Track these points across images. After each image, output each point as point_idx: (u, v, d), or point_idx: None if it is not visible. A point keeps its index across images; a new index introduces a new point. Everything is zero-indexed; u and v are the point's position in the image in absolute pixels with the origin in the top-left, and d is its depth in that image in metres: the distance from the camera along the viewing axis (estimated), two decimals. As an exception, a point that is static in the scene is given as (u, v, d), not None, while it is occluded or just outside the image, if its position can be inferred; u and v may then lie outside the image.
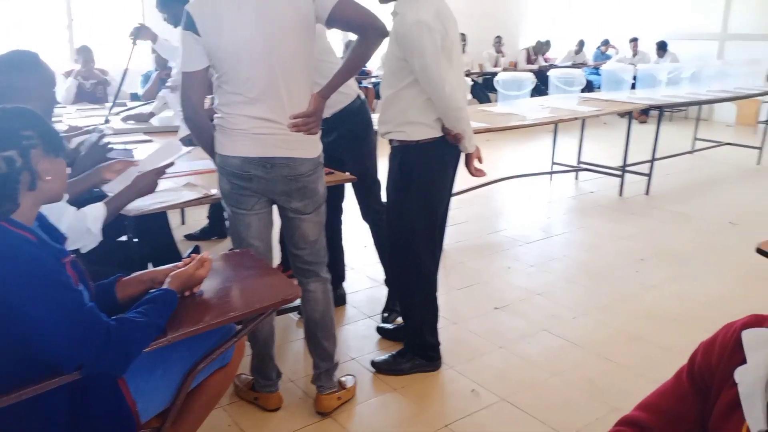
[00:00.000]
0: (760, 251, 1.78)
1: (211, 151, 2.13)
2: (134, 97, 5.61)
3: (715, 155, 6.96)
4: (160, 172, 2.06)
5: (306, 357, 2.54)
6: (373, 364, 2.66)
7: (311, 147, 2.10)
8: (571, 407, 2.40)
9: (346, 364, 2.66)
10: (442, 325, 2.81)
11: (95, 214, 1.85)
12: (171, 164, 2.16)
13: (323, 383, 2.33)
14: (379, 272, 3.32)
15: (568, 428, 2.26)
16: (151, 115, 4.19)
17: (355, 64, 2.04)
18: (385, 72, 2.43)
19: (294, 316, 3.08)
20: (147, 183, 2.01)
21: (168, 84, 3.84)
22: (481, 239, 4.36)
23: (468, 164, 2.57)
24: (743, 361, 0.90)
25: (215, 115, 2.09)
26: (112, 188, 2.07)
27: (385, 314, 3.08)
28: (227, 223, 2.22)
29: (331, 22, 1.96)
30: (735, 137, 7.98)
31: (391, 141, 2.48)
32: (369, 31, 1.94)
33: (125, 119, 4.18)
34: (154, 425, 1.56)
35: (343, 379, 2.45)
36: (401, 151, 2.44)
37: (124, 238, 2.42)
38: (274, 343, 2.34)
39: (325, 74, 2.21)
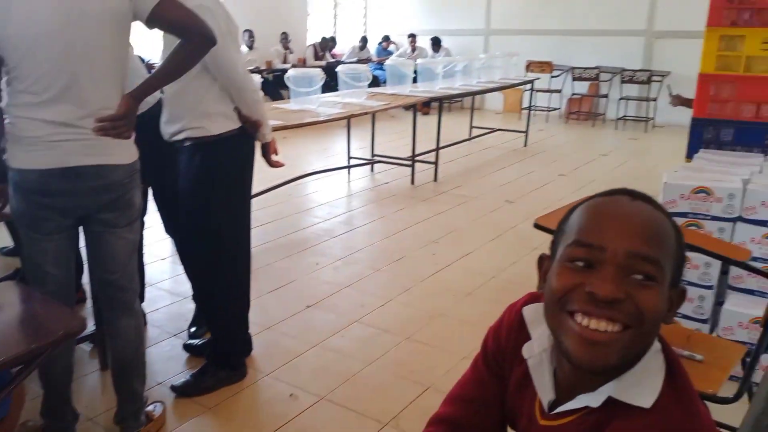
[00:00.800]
0: (537, 226, 1.98)
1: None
2: None
3: (489, 140, 7.70)
4: None
5: (106, 390, 2.30)
6: (174, 389, 2.44)
7: (124, 152, 1.86)
8: (387, 393, 2.49)
9: (153, 390, 2.46)
10: (255, 331, 2.73)
11: None
12: None
13: (130, 424, 2.09)
14: (179, 285, 3.13)
15: (386, 415, 2.34)
16: None
17: (175, 69, 1.86)
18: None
19: (86, 347, 2.78)
20: None
21: None
22: (287, 238, 4.32)
23: (267, 155, 2.51)
24: (528, 338, 0.95)
25: (5, 121, 1.78)
26: None
27: (192, 329, 2.91)
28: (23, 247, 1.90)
29: (152, 22, 1.78)
30: (504, 123, 8.92)
31: (182, 141, 2.29)
32: (194, 37, 1.79)
33: None
34: None
35: (149, 408, 2.24)
36: (200, 149, 2.27)
37: None
38: (71, 382, 2.07)
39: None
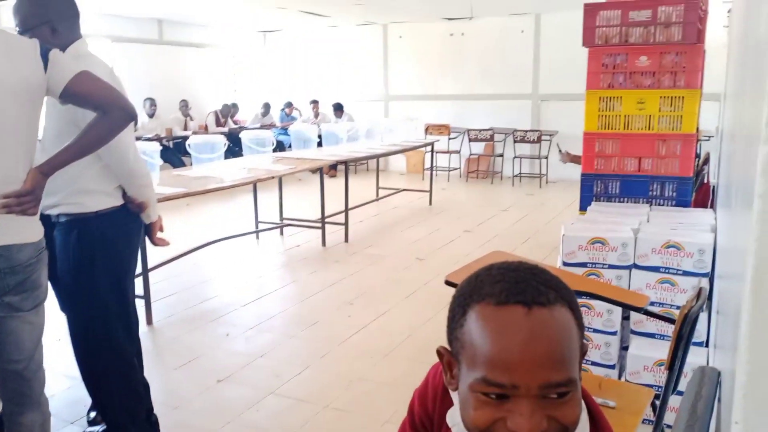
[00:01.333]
0: (448, 283, 2.01)
1: None
2: None
3: (396, 200, 7.86)
4: None
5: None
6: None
7: (31, 229, 1.72)
8: (309, 466, 2.39)
9: (49, 487, 2.23)
10: (162, 412, 2.56)
11: None
12: None
13: None
14: (76, 368, 2.89)
15: (309, 489, 2.24)
16: None
17: (89, 144, 1.76)
18: (46, 136, 2.09)
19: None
20: None
21: None
22: (193, 309, 4.14)
23: (151, 234, 2.39)
24: (452, 403, 0.91)
25: None
26: None
27: (92, 414, 2.68)
28: None
29: (66, 97, 1.69)
30: (408, 183, 9.16)
31: (58, 216, 2.15)
32: (113, 112, 1.72)
33: None
34: None
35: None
36: (77, 225, 2.13)
37: None
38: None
39: None
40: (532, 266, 0.80)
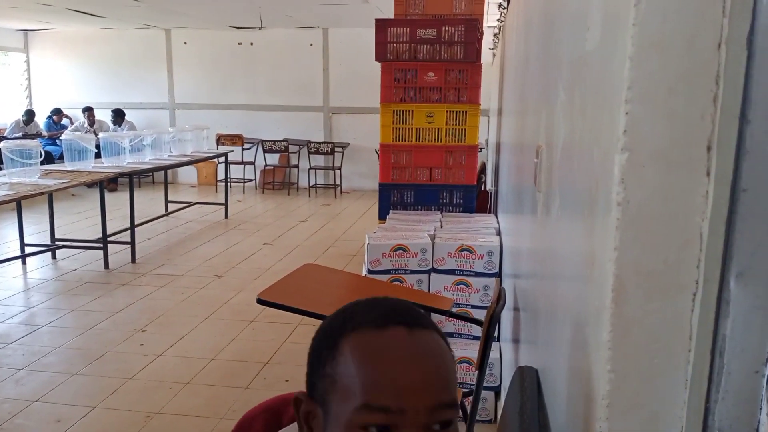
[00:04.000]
0: (261, 302, 1.90)
1: None
2: None
3: (188, 214, 7.43)
4: None
5: None
6: None
7: None
8: None
9: None
10: None
11: None
12: None
13: None
14: None
15: None
16: None
17: None
18: None
19: None
20: None
21: None
22: (-59, 354, 3.45)
23: None
24: None
25: None
26: None
27: None
28: None
29: None
30: (201, 197, 8.73)
31: None
32: None
33: None
34: None
35: None
36: None
37: None
38: None
39: None
40: (398, 298, 0.76)
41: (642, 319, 0.63)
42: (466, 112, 3.82)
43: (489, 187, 5.57)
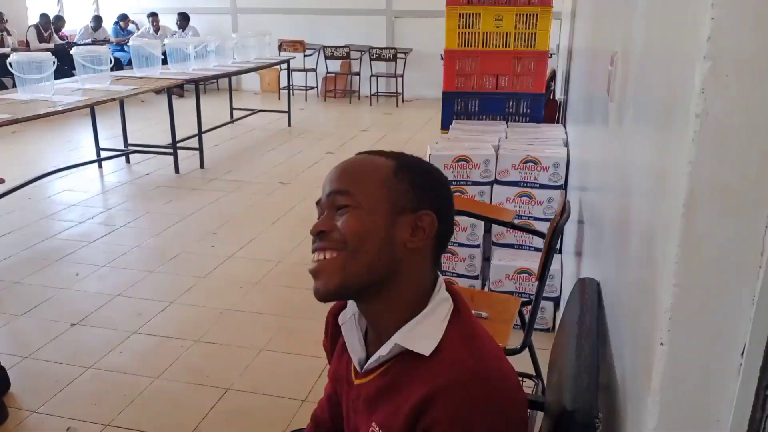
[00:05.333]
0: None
1: None
2: None
3: (252, 121, 7.54)
4: None
5: None
6: None
7: None
8: (182, 406, 2.29)
9: None
10: (10, 363, 2.32)
11: None
12: None
13: None
14: None
15: (184, 429, 2.16)
16: None
17: None
18: None
19: None
20: None
21: None
22: (34, 249, 3.74)
23: None
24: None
25: None
26: None
27: None
28: None
29: None
30: (264, 104, 8.80)
31: None
32: None
33: None
34: None
35: None
36: None
37: None
38: None
39: None
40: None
41: (713, 234, 0.61)
42: (537, 14, 3.62)
43: (558, 95, 5.36)
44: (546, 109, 4.23)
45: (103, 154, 5.62)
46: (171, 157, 5.43)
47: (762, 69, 0.57)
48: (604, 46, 1.58)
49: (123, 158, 5.74)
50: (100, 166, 5.56)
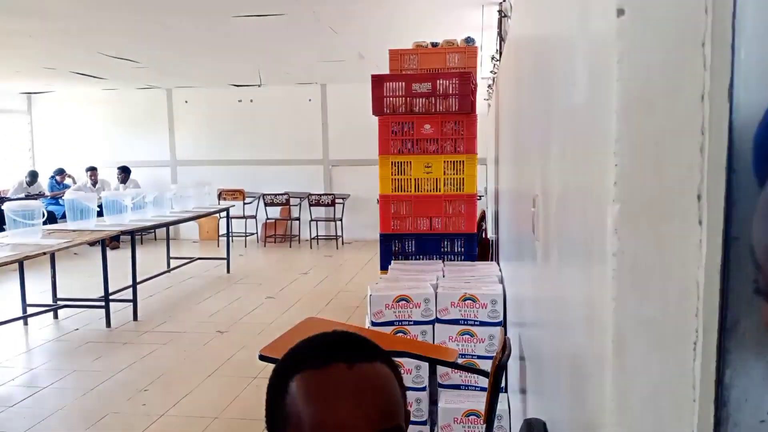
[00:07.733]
0: (263, 358, 1.89)
1: None
2: None
3: (190, 270, 7.41)
4: None
5: None
6: None
7: None
8: None
9: None
10: None
11: None
12: None
13: None
14: None
15: None
16: None
17: None
18: None
19: None
20: None
21: None
22: (-61, 421, 3.39)
23: None
24: None
25: None
26: None
27: None
28: None
29: None
30: (203, 252, 8.74)
31: None
32: None
33: None
34: None
35: None
36: None
37: None
38: None
39: None
40: (346, 331, 0.81)
41: (644, 370, 0.63)
42: (463, 161, 3.86)
43: (490, 234, 5.58)
44: (479, 247, 4.37)
45: (31, 309, 5.35)
46: (102, 311, 5.21)
47: (667, 208, 0.62)
48: (526, 189, 1.69)
49: (51, 314, 5.46)
50: (26, 323, 5.26)
